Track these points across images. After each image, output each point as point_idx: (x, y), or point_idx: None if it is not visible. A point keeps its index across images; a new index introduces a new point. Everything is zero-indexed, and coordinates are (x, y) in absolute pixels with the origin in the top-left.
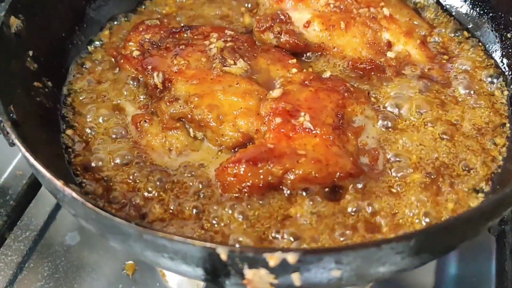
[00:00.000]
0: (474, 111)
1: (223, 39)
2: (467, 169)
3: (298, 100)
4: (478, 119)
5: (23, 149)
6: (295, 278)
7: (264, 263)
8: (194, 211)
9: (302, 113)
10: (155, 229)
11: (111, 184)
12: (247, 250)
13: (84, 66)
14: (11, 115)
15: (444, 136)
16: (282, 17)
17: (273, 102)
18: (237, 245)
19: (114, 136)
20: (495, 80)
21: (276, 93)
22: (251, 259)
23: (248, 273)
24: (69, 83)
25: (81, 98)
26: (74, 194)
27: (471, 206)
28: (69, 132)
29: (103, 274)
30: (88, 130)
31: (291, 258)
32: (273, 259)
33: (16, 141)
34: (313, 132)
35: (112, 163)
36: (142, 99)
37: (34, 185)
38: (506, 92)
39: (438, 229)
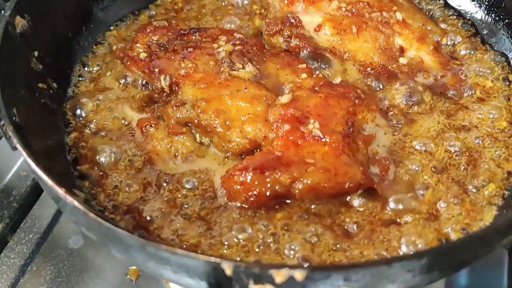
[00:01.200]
0: (488, 120)
1: (231, 42)
2: (480, 182)
3: (308, 106)
4: (492, 129)
5: (25, 155)
6: None
7: (271, 279)
8: (198, 222)
9: (312, 120)
10: (158, 241)
11: (115, 189)
12: (252, 266)
13: (89, 67)
14: (14, 118)
15: (456, 148)
16: (293, 20)
17: (282, 108)
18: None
19: (119, 140)
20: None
21: (285, 99)
22: (256, 275)
23: None
24: (74, 85)
25: (86, 100)
26: (76, 203)
27: (484, 220)
28: (73, 135)
29: (106, 279)
30: (92, 133)
31: (299, 275)
32: (279, 276)
33: (18, 146)
34: (323, 140)
35: (116, 168)
36: (148, 103)
37: (37, 187)
38: None
39: (451, 247)
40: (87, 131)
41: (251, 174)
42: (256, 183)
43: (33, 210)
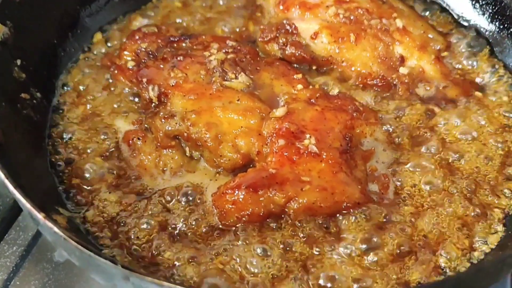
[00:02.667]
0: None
1: (224, 50)
2: (479, 210)
3: (303, 120)
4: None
5: (2, 176)
6: None
7: None
8: (185, 242)
9: (307, 135)
10: (142, 273)
11: (100, 205)
12: None
13: (75, 76)
14: None
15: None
16: (288, 27)
17: (276, 121)
18: None
19: (104, 154)
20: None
21: (280, 112)
22: None
23: None
24: (59, 94)
25: (70, 111)
26: (56, 229)
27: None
28: (56, 148)
29: None
30: (76, 146)
31: None
32: None
33: None
34: (319, 156)
35: (101, 184)
36: (135, 114)
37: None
38: None
39: (458, 279)
40: (70, 144)
41: (244, 193)
42: (249, 202)
43: (17, 222)
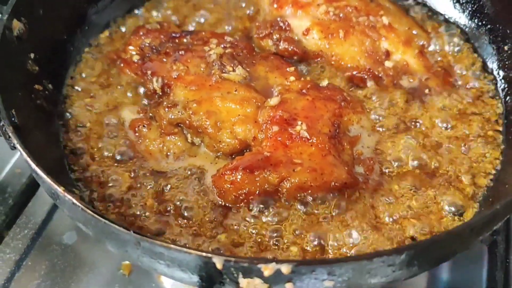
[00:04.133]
0: (469, 123)
1: (222, 45)
2: (460, 181)
3: (296, 108)
4: (472, 130)
5: (25, 155)
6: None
7: (259, 273)
8: (190, 216)
9: (299, 122)
10: (152, 237)
11: (109, 187)
12: (242, 260)
13: (83, 69)
14: (13, 119)
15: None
16: (282, 24)
17: (271, 110)
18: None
19: (112, 140)
20: (490, 93)
21: (274, 101)
22: (245, 268)
23: (243, 282)
24: (68, 86)
25: (80, 101)
26: (75, 201)
27: (464, 219)
28: (67, 136)
29: (99, 274)
30: (86, 134)
31: (285, 269)
32: (267, 270)
33: (18, 147)
34: (310, 141)
35: (110, 167)
36: (141, 104)
37: (33, 184)
38: (500, 106)
39: (429, 243)
40: (80, 131)
41: (241, 173)
42: (245, 182)
43: (28, 207)
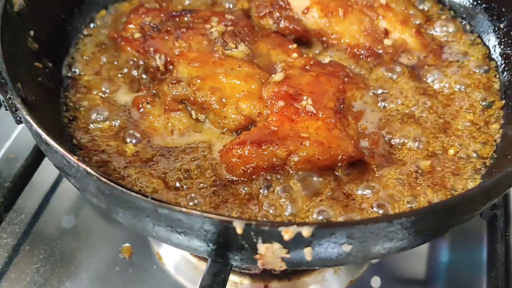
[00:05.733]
0: (468, 97)
1: (223, 23)
2: (464, 153)
3: (300, 84)
4: (473, 104)
5: (35, 125)
6: (307, 252)
7: (279, 237)
8: (202, 190)
9: (305, 97)
10: (171, 203)
11: (112, 162)
12: (263, 224)
13: (83, 48)
14: (19, 92)
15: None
16: (281, 3)
17: (275, 85)
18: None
19: (115, 117)
20: (486, 68)
21: (278, 76)
22: (266, 233)
23: (261, 247)
24: (68, 65)
25: (81, 80)
26: (89, 169)
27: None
28: (69, 113)
29: (99, 257)
30: (89, 113)
31: (306, 231)
32: (288, 233)
33: (28, 117)
34: (316, 115)
35: (114, 145)
36: (143, 81)
37: (31, 167)
38: (498, 82)
39: (445, 206)
40: (83, 110)
41: (248, 147)
42: (253, 156)
43: (23, 191)
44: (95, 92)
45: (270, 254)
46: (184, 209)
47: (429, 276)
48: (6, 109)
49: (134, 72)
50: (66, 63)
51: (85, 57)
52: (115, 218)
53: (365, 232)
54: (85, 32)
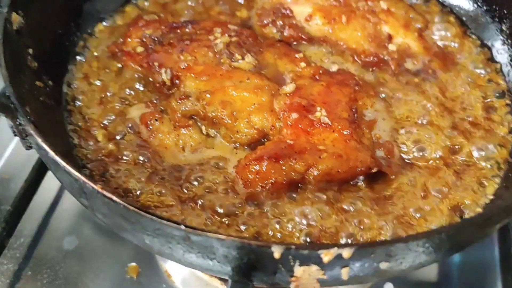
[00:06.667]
0: (475, 99)
1: (227, 34)
2: (478, 158)
3: (312, 94)
4: (480, 106)
5: (51, 153)
6: (344, 272)
7: (317, 259)
8: (221, 210)
9: (318, 108)
10: (204, 230)
11: (125, 183)
12: (303, 248)
13: (82, 64)
14: (29, 117)
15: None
16: (284, 10)
17: (287, 97)
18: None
19: (122, 136)
20: (490, 70)
21: (289, 88)
22: (304, 256)
23: (298, 270)
24: (68, 82)
25: (82, 97)
26: (115, 198)
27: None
28: (74, 134)
29: (106, 279)
30: (93, 132)
31: (346, 253)
32: (328, 255)
33: (43, 145)
34: (331, 127)
35: (125, 165)
36: (148, 97)
37: (30, 189)
38: (504, 83)
39: (482, 218)
40: (87, 129)
41: (266, 163)
42: (272, 171)
43: None
44: (97, 110)
45: (306, 276)
46: (220, 236)
47: (441, 278)
48: (15, 135)
49: (139, 88)
50: (66, 79)
51: (85, 73)
52: (138, 244)
53: (404, 249)
54: (84, 47)
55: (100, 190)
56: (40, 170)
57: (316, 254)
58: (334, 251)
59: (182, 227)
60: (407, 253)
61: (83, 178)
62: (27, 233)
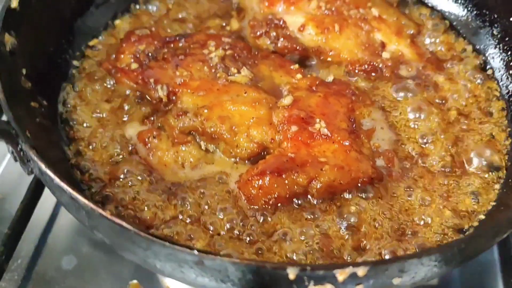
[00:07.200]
0: (469, 104)
1: (221, 47)
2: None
3: (310, 106)
4: (476, 111)
5: (57, 179)
6: None
7: (332, 279)
8: (227, 226)
9: (317, 120)
10: (218, 254)
11: (128, 206)
12: (318, 268)
13: (76, 82)
14: (30, 141)
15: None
16: (277, 21)
17: (285, 110)
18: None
19: (120, 155)
20: (482, 75)
21: (287, 100)
22: (320, 276)
23: None
24: (63, 101)
25: (77, 117)
26: (125, 224)
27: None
28: (71, 154)
29: None
30: (91, 151)
31: (361, 271)
32: (343, 275)
33: (46, 170)
34: (331, 138)
35: (124, 184)
36: (145, 114)
37: (27, 210)
38: (497, 87)
39: (492, 230)
40: (83, 148)
41: (268, 177)
42: (275, 186)
43: None
44: (93, 129)
45: None
46: (235, 260)
47: (442, 281)
48: (16, 161)
49: (134, 105)
50: (60, 98)
51: (79, 91)
52: (149, 269)
53: (418, 265)
54: (76, 64)
55: (110, 217)
56: (36, 190)
57: (331, 273)
58: (349, 270)
59: (195, 252)
60: (420, 268)
61: (91, 205)
62: (25, 254)
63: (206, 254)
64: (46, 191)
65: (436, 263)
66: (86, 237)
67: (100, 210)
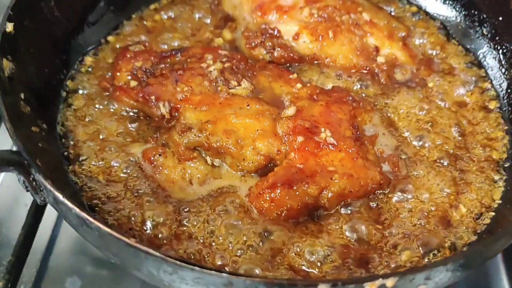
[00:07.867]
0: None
1: (219, 60)
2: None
3: (314, 116)
4: (472, 112)
5: (76, 210)
6: None
7: None
8: (242, 240)
9: (322, 129)
10: (246, 275)
11: (133, 222)
12: (348, 282)
13: (73, 101)
14: (41, 170)
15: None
16: (271, 31)
17: (289, 120)
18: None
19: (125, 174)
20: (475, 76)
21: (290, 111)
22: None
23: None
24: (61, 122)
25: (77, 138)
26: (151, 251)
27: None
28: (75, 177)
29: None
30: (94, 173)
31: (390, 283)
32: (372, 287)
33: (64, 199)
34: (338, 146)
35: (132, 202)
36: (148, 132)
37: (29, 235)
38: (491, 87)
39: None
40: (87, 171)
41: (279, 190)
42: (286, 198)
43: None
44: (95, 150)
45: None
46: (267, 280)
47: None
48: (27, 191)
49: (136, 122)
50: (58, 120)
51: (76, 111)
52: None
53: (443, 271)
54: (71, 85)
55: (134, 244)
56: (36, 213)
57: (361, 286)
58: (379, 282)
59: (224, 274)
60: (445, 274)
61: (112, 232)
62: (27, 279)
63: (236, 276)
64: (45, 214)
65: (459, 268)
66: (88, 256)
67: (126, 239)
